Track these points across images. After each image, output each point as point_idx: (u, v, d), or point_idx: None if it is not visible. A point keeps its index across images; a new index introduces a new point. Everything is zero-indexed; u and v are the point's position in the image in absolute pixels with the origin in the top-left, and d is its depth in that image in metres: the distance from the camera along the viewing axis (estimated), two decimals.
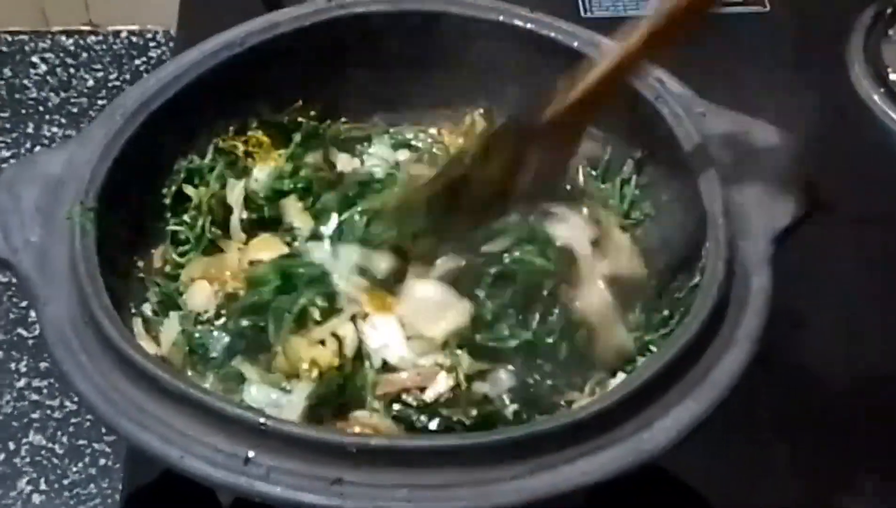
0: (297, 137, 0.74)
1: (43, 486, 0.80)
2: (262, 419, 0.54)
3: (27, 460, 0.81)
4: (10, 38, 1.12)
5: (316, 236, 0.68)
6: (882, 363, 0.79)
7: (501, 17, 0.73)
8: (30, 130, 1.04)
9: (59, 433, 0.82)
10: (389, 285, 0.65)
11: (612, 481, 0.54)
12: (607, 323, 0.65)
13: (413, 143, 0.76)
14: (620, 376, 0.64)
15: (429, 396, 0.61)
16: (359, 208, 0.68)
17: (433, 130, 0.77)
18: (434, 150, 0.76)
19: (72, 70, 1.10)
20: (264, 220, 0.71)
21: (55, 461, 0.81)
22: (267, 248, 0.69)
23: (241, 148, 0.72)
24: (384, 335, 0.63)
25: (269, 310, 0.64)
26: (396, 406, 0.61)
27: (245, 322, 0.64)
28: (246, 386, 0.62)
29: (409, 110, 0.77)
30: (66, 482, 0.80)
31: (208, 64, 0.70)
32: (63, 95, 1.08)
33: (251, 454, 0.53)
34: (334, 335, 0.63)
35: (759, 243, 0.63)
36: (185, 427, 0.54)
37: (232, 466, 0.53)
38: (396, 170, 0.73)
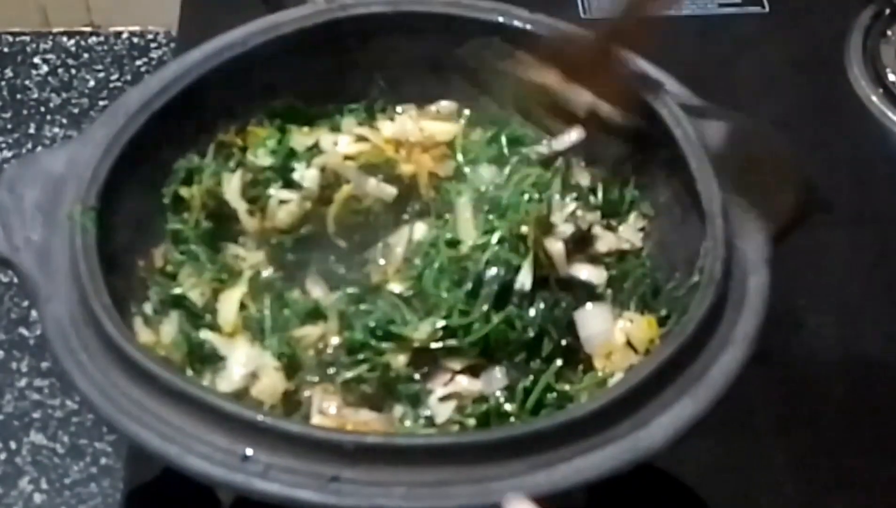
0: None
1: (44, 485, 0.80)
2: (259, 417, 0.54)
3: (28, 459, 0.81)
4: (11, 39, 1.13)
5: None
6: (880, 363, 0.79)
7: (501, 19, 0.73)
8: (31, 131, 1.04)
9: (60, 432, 0.83)
10: None
11: (610, 479, 0.55)
12: None
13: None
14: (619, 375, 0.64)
15: None
16: None
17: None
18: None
19: (73, 71, 1.11)
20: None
21: (56, 460, 0.81)
22: None
23: (238, 143, 0.72)
24: None
25: None
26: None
27: None
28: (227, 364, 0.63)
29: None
30: (67, 481, 0.80)
31: (210, 65, 0.70)
32: (64, 95, 1.08)
33: (249, 451, 0.54)
34: None
35: (758, 243, 0.63)
36: (185, 425, 0.54)
37: (230, 464, 0.54)
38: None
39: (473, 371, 0.64)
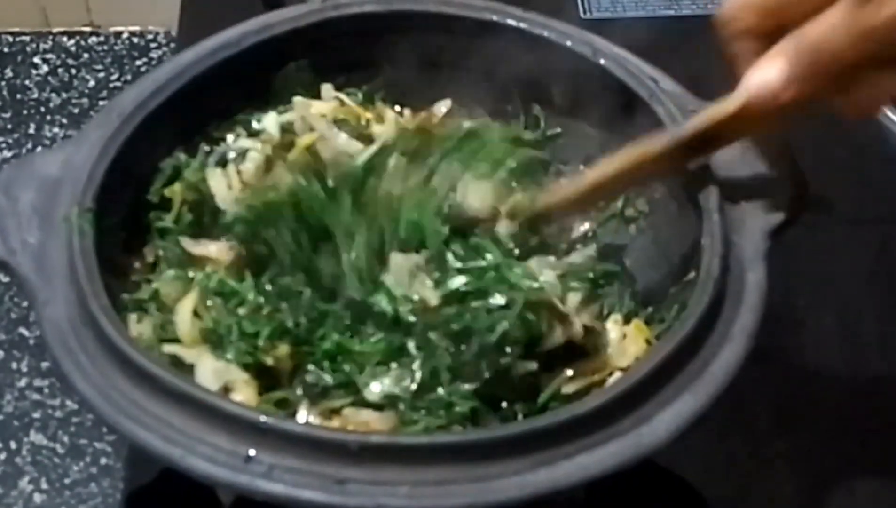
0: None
1: (44, 485, 0.80)
2: (262, 418, 0.54)
3: (28, 459, 0.81)
4: (11, 39, 1.13)
5: None
6: (880, 363, 0.79)
7: (495, 17, 0.73)
8: (31, 131, 1.04)
9: (60, 432, 0.82)
10: None
11: (612, 476, 0.55)
12: None
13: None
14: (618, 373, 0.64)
15: None
16: None
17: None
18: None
19: (73, 71, 1.10)
20: None
21: (56, 460, 0.81)
22: None
23: (230, 139, 0.72)
24: None
25: None
26: None
27: None
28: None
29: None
30: (67, 481, 0.80)
31: (205, 64, 0.70)
32: (64, 95, 1.08)
33: (252, 452, 0.53)
34: None
35: (754, 239, 0.63)
36: (186, 426, 0.54)
37: (233, 464, 0.53)
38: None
39: None
